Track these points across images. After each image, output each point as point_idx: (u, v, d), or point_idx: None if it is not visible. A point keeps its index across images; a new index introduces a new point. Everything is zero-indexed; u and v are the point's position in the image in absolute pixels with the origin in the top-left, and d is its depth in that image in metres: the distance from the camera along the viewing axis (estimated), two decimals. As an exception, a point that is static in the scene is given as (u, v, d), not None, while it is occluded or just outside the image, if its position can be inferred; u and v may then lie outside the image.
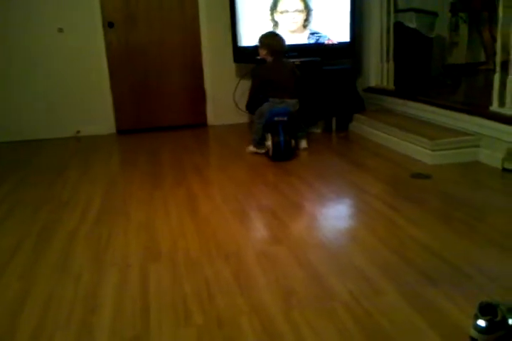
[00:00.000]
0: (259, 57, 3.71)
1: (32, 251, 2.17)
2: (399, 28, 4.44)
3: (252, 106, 3.72)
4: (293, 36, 4.29)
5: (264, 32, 3.75)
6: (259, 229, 2.37)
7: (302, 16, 4.26)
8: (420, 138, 3.28)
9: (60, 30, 4.30)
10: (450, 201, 2.57)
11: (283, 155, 3.43)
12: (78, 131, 4.52)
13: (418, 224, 2.29)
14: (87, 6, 4.28)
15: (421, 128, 3.49)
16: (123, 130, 4.62)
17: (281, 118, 3.44)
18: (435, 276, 1.81)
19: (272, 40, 3.61)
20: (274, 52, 3.57)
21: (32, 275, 1.95)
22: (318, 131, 4.32)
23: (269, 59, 3.61)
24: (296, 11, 4.24)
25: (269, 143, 3.44)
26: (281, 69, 3.58)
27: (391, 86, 4.43)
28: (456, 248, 2.03)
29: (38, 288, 1.85)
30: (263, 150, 3.56)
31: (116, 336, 1.54)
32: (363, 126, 4.11)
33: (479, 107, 3.29)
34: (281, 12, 4.23)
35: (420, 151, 3.28)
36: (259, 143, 3.58)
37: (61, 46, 4.33)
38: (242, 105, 4.64)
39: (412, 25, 4.51)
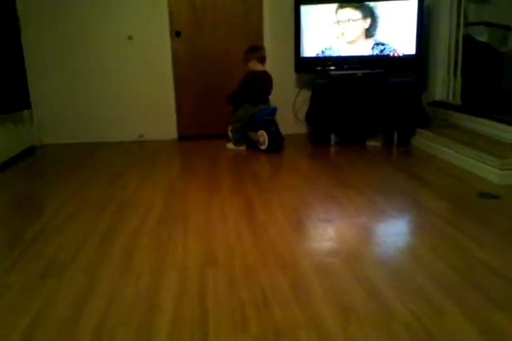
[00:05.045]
0: (250, 69, 4.09)
1: (96, 249, 2.25)
2: (468, 42, 4.31)
3: (233, 102, 4.21)
4: (352, 47, 4.25)
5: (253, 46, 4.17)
6: (316, 240, 2.34)
7: (361, 25, 4.20)
8: (488, 157, 3.15)
9: (130, 37, 4.48)
10: (520, 223, 2.45)
11: (278, 146, 4.05)
12: (141, 136, 4.68)
13: (484, 245, 2.19)
14: (157, 15, 4.44)
15: (489, 146, 3.35)
16: (184, 136, 4.74)
17: (271, 117, 4.12)
18: (503, 301, 1.72)
19: (258, 51, 4.08)
20: (261, 60, 4.07)
21: (96, 272, 2.02)
22: (378, 144, 4.24)
23: (259, 68, 4.07)
24: (349, 20, 4.21)
25: (262, 138, 4.03)
26: (266, 78, 4.09)
27: (458, 101, 4.29)
28: (526, 273, 1.93)
29: (102, 284, 1.92)
30: (243, 147, 4.18)
31: (175, 339, 1.56)
32: (425, 140, 3.99)
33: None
34: (338, 22, 4.23)
35: (488, 170, 3.15)
36: (238, 141, 4.17)
37: (130, 53, 4.50)
38: (301, 115, 4.65)
39: (483, 38, 4.35)
